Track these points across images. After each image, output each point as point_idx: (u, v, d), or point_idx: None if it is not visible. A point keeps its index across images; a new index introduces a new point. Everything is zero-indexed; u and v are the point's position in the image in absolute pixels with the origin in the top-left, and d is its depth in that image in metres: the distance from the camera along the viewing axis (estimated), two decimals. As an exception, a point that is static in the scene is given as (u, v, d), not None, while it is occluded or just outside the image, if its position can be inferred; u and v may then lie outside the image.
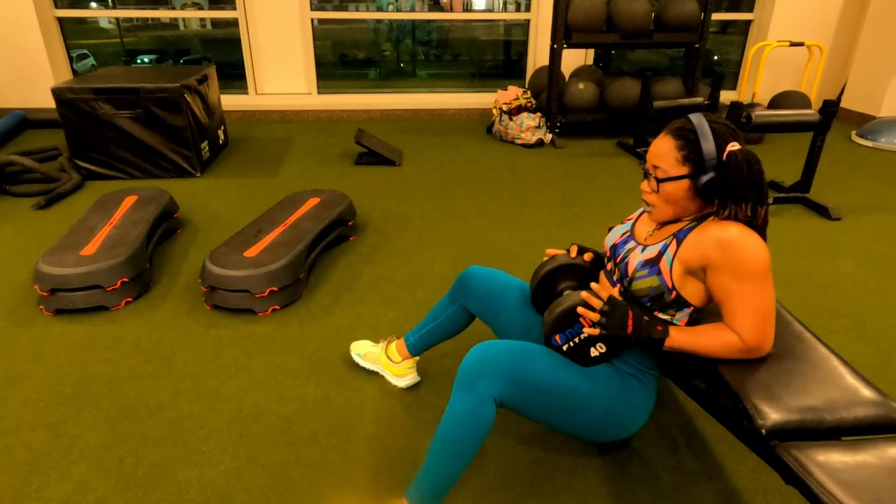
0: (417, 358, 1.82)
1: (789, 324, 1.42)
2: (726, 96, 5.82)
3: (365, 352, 1.88)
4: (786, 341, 1.34)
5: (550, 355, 1.31)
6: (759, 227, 1.20)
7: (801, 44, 4.96)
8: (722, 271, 1.19)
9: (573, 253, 1.50)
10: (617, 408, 1.32)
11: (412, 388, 1.83)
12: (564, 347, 1.32)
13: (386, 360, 1.82)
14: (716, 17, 5.64)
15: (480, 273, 1.63)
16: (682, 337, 1.24)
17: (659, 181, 1.25)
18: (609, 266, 1.42)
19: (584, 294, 1.28)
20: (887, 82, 4.98)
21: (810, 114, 3.09)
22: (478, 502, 1.44)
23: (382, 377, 1.87)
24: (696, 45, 4.60)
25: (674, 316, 1.30)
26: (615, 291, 1.36)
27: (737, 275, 1.18)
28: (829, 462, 1.02)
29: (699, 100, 4.22)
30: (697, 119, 1.22)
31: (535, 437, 1.64)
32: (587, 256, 1.50)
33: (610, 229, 1.51)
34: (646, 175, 1.30)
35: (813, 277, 2.55)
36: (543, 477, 1.51)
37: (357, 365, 1.92)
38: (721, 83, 4.35)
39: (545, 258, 1.52)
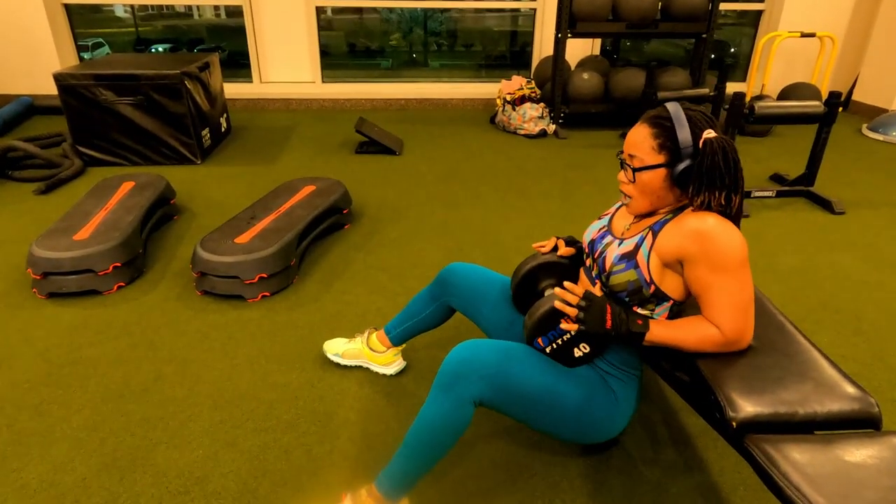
0: (402, 346, 1.82)
1: (772, 316, 1.39)
2: (737, 88, 5.74)
3: (343, 350, 1.86)
4: (766, 334, 1.32)
5: (534, 356, 1.29)
6: (733, 217, 1.18)
7: (812, 35, 4.86)
8: (699, 264, 1.17)
9: (558, 247, 1.50)
10: (598, 410, 1.30)
11: (395, 375, 1.83)
12: (547, 350, 1.31)
13: (369, 352, 1.81)
14: (725, 6, 5.54)
15: (462, 270, 1.62)
16: (661, 331, 1.23)
17: (635, 170, 1.23)
18: (588, 262, 1.40)
19: (557, 290, 1.25)
20: (900, 75, 4.87)
21: (815, 105, 3.03)
22: (454, 492, 1.43)
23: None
24: (704, 36, 4.53)
25: (653, 311, 1.27)
26: (595, 288, 1.34)
27: (714, 267, 1.15)
28: (797, 455, 1.00)
29: (705, 91, 4.16)
30: (674, 107, 1.20)
31: (514, 426, 1.63)
32: (567, 251, 1.49)
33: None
34: (622, 165, 1.28)
35: (811, 272, 2.51)
36: (521, 467, 1.51)
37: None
38: (727, 74, 4.28)
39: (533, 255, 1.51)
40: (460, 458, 1.52)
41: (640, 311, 1.28)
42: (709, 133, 1.16)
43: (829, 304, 2.27)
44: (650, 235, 1.23)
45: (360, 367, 1.86)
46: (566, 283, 1.27)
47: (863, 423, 1.10)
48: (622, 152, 1.28)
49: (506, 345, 1.29)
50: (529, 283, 1.50)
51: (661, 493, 1.43)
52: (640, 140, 1.22)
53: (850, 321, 2.15)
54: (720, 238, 1.14)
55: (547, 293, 1.43)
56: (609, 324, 1.21)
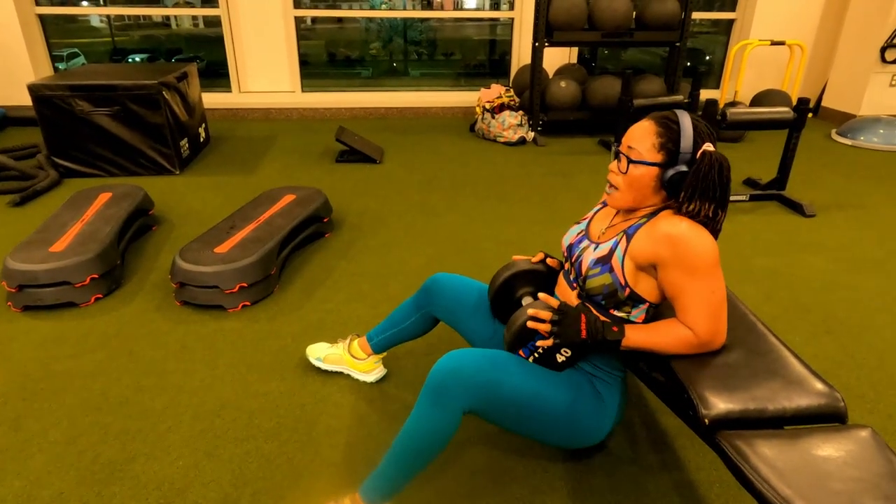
0: (383, 354, 1.82)
1: (743, 316, 1.43)
2: (710, 95, 5.86)
3: (324, 355, 1.86)
4: (737, 333, 1.35)
5: (519, 363, 1.31)
6: (715, 231, 1.22)
7: (782, 43, 5.00)
8: (672, 267, 1.20)
9: (538, 259, 1.51)
10: (585, 413, 1.32)
11: (376, 382, 1.83)
12: (530, 359, 1.33)
13: (350, 358, 1.82)
14: (698, 15, 5.67)
15: (446, 280, 1.63)
16: (637, 336, 1.25)
17: (630, 161, 1.25)
18: (567, 266, 1.43)
19: (530, 311, 1.28)
20: (867, 81, 5.02)
21: (784, 111, 3.12)
22: (437, 497, 1.44)
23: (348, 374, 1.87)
24: (678, 44, 4.63)
25: (629, 313, 1.30)
26: (572, 296, 1.37)
27: (686, 270, 1.19)
28: (766, 450, 1.03)
29: (679, 98, 4.24)
30: (681, 113, 1.24)
31: (494, 431, 1.65)
32: (553, 262, 1.51)
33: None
34: (617, 155, 1.30)
35: (783, 273, 2.58)
36: (503, 471, 1.52)
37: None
38: (700, 81, 4.37)
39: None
40: (443, 463, 1.53)
41: (616, 313, 1.31)
42: (708, 146, 1.20)
43: (801, 304, 2.33)
44: (624, 239, 1.26)
45: (342, 374, 1.86)
46: (540, 295, 1.30)
47: (830, 418, 1.14)
48: (619, 143, 1.31)
49: (492, 353, 1.30)
50: (506, 293, 1.51)
51: (640, 493, 1.46)
52: (643, 135, 1.24)
53: (822, 321, 2.21)
54: (692, 242, 1.18)
55: (524, 302, 1.45)
56: (584, 333, 1.23)
